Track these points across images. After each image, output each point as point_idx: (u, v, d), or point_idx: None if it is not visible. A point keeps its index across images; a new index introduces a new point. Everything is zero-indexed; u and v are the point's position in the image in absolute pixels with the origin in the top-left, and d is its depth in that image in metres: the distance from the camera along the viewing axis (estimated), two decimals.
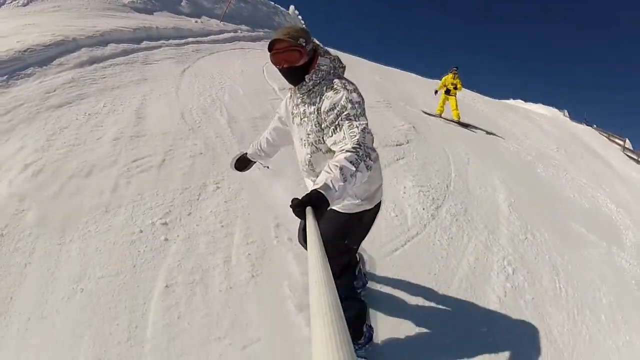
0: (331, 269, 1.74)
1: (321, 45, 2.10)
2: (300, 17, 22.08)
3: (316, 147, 2.08)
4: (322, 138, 2.00)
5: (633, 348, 3.80)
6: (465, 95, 14.69)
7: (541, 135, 14.19)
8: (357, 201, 2.13)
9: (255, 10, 17.91)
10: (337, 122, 1.83)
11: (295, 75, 2.03)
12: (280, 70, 2.05)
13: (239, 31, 13.96)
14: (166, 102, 6.09)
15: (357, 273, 2.86)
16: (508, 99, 23.25)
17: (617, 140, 19.14)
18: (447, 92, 11.64)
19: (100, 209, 3.38)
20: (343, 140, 1.76)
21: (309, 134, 2.06)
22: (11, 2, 9.86)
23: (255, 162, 2.74)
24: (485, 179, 6.59)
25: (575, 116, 20.57)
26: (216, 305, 2.68)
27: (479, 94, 18.64)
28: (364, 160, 1.67)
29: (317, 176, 1.77)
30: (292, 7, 21.93)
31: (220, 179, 4.21)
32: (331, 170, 1.59)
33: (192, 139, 5.00)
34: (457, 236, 4.47)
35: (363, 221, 2.23)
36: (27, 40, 6.61)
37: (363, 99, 1.94)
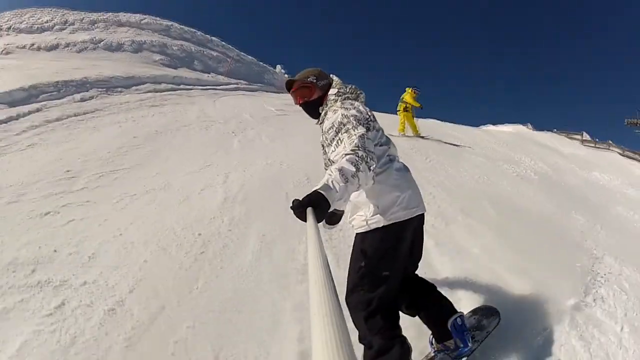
0: (358, 297, 2.21)
1: (336, 79, 2.49)
2: (286, 75, 28.14)
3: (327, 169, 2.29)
4: (329, 160, 2.18)
5: (498, 187, 7.03)
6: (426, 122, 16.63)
7: (490, 139, 15.14)
8: (367, 217, 2.21)
9: (249, 69, 23.76)
10: (337, 137, 2.05)
11: (311, 109, 2.44)
12: (301, 106, 2.49)
13: (240, 84, 19.32)
14: (212, 110, 11.13)
15: (450, 327, 2.39)
16: (478, 126, 23.36)
17: (575, 136, 21.03)
18: (406, 109, 12.33)
19: (202, 130, 8.21)
20: (344, 149, 1.92)
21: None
22: (65, 48, 14.67)
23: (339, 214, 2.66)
24: (400, 143, 11.14)
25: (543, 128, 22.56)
26: (258, 145, 7.35)
27: (437, 120, 20.35)
28: (366, 161, 1.80)
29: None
30: (279, 67, 28.20)
31: (254, 128, 9.11)
32: (332, 172, 1.71)
33: (235, 119, 9.98)
34: None
35: (379, 241, 2.21)
36: (105, 73, 11.63)
37: (363, 115, 2.18)
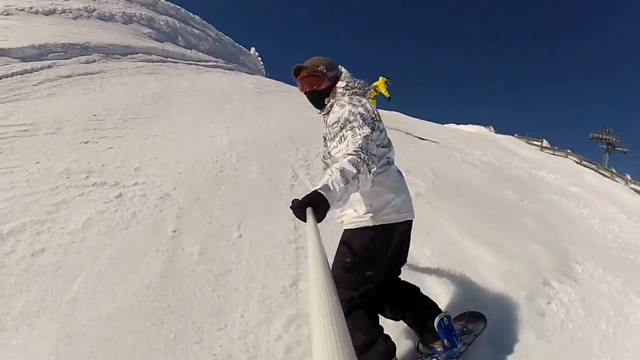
0: (340, 294, 1.65)
1: (345, 72, 2.40)
2: (259, 57, 28.94)
3: (325, 163, 2.40)
4: (328, 153, 2.25)
5: (442, 163, 8.46)
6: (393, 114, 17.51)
7: (449, 134, 16.21)
8: (358, 215, 2.18)
9: (226, 49, 24.35)
10: (341, 134, 2.02)
11: (316, 99, 2.37)
12: (306, 95, 2.41)
13: (219, 62, 19.93)
14: (199, 81, 11.97)
15: (436, 327, 2.29)
16: (442, 124, 23.42)
17: (535, 142, 21.68)
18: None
19: (196, 97, 9.11)
20: (347, 147, 1.91)
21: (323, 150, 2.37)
22: (61, 14, 14.80)
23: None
24: None
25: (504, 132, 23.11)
26: (245, 113, 8.35)
27: (401, 113, 20.68)
28: (367, 163, 1.78)
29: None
30: (252, 49, 28.85)
31: (238, 100, 10.08)
32: (332, 172, 1.69)
33: (220, 91, 10.91)
34: None
35: (368, 240, 2.17)
36: (103, 40, 12.19)
37: (369, 114, 2.11)
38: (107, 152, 4.86)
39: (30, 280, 2.68)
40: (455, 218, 4.92)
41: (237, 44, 27.13)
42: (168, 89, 9.27)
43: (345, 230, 2.26)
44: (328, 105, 2.29)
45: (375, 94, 12.48)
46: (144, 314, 2.53)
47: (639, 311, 3.56)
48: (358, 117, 2.02)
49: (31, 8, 13.73)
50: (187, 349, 2.35)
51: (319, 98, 2.34)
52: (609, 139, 30.87)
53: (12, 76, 7.86)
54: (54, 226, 3.21)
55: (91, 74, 9.02)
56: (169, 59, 14.27)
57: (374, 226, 2.13)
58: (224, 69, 19.31)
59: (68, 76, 8.51)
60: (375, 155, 1.94)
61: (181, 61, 15.30)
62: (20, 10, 13.49)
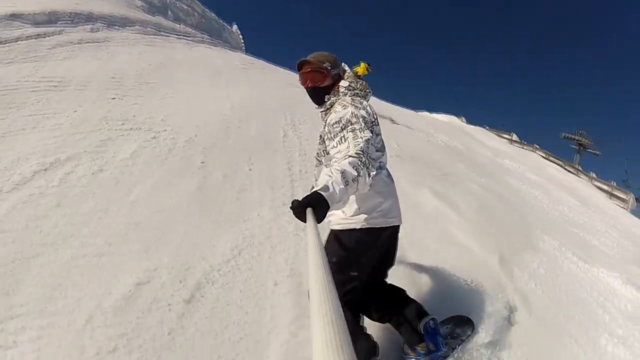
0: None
1: (348, 71, 2.36)
2: (240, 35, 29.32)
3: (318, 161, 2.34)
4: (323, 151, 2.20)
5: (408, 142, 10.12)
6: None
7: (420, 120, 16.59)
8: (346, 216, 2.15)
9: (211, 25, 24.76)
10: (342, 134, 1.97)
11: (316, 95, 2.31)
12: (306, 90, 2.35)
13: (205, 38, 20.45)
14: (192, 55, 12.71)
15: (422, 330, 2.27)
16: (416, 111, 22.60)
17: (504, 136, 21.93)
18: None
19: (193, 68, 9.98)
20: (347, 149, 1.86)
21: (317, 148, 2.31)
22: None
23: None
24: None
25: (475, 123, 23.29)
26: (236, 85, 9.31)
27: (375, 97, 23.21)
28: (367, 167, 1.76)
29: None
30: (234, 26, 29.21)
31: (229, 73, 10.98)
32: (332, 173, 1.67)
33: (212, 65, 11.72)
34: None
35: (354, 242, 2.15)
36: (105, 10, 12.73)
37: (370, 118, 2.09)
38: (134, 106, 5.76)
39: (94, 190, 3.36)
40: (409, 178, 5.94)
41: (221, 21, 27.48)
42: (168, 60, 10.02)
43: (331, 230, 2.24)
44: (328, 103, 2.26)
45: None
46: (190, 211, 3.59)
47: (572, 264, 4.08)
48: (360, 119, 1.99)
49: None
50: (225, 229, 3.43)
51: (320, 95, 2.30)
52: (580, 140, 30.41)
53: (27, 39, 8.47)
54: (106, 155, 4.02)
55: (98, 41, 9.69)
56: (161, 32, 14.82)
57: (360, 229, 2.12)
58: (210, 44, 19.85)
59: (78, 42, 9.17)
60: (375, 160, 1.97)
61: (172, 35, 15.84)
62: None
